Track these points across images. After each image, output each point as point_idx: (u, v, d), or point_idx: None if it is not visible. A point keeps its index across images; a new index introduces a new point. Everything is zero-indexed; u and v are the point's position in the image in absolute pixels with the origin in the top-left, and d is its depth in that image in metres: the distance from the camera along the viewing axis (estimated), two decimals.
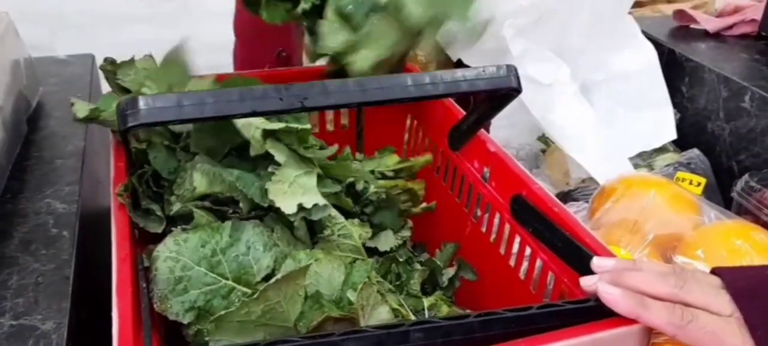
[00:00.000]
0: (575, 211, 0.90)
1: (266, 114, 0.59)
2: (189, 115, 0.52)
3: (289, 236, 0.56)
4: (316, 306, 0.49)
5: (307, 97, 0.54)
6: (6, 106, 0.72)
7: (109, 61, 0.74)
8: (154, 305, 0.51)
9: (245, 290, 0.52)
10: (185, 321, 0.51)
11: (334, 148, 0.65)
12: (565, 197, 1.00)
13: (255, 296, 0.45)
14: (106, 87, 0.79)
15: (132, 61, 0.77)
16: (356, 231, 0.57)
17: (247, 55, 1.20)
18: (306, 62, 1.03)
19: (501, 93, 0.63)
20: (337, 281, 0.53)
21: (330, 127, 0.90)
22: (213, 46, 1.32)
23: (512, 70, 0.61)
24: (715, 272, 0.49)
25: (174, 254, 0.52)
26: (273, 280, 0.46)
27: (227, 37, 1.21)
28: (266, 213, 0.57)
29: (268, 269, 0.53)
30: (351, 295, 0.52)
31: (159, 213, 0.59)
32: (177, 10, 0.96)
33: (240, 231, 0.53)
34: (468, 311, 0.68)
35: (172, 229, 0.55)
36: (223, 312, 0.46)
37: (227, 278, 0.52)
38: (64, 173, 0.74)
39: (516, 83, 0.61)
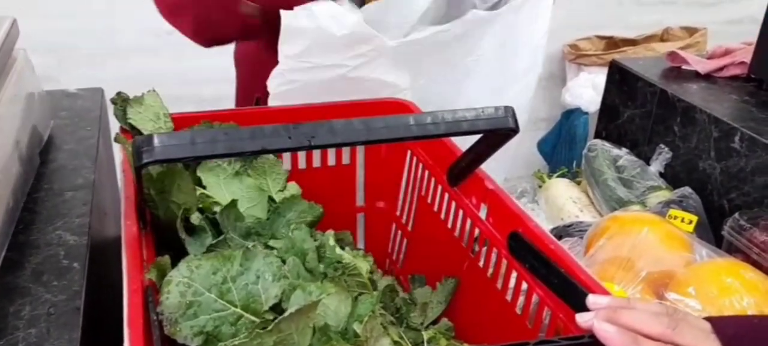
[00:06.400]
0: (570, 247, 0.93)
1: (276, 152, 0.61)
2: (201, 153, 0.54)
3: (301, 267, 0.58)
4: (325, 339, 0.51)
5: (315, 135, 0.57)
6: (21, 140, 0.75)
7: (123, 98, 0.77)
8: (164, 329, 0.53)
9: (253, 318, 0.54)
10: (193, 345, 0.53)
11: None
12: (560, 232, 1.03)
13: (269, 328, 0.47)
14: (114, 120, 0.82)
15: (141, 97, 0.80)
16: (364, 266, 0.60)
17: (244, 86, 1.23)
18: None
19: (499, 133, 0.65)
20: (344, 313, 0.55)
21: (331, 162, 0.93)
22: (218, 78, 1.35)
23: (510, 110, 0.64)
24: (705, 319, 0.52)
25: (186, 279, 0.54)
26: (287, 313, 0.48)
27: (231, 69, 1.25)
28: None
29: (276, 298, 0.55)
30: (357, 327, 0.54)
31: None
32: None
33: (251, 260, 0.55)
34: (466, 345, 0.70)
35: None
36: (236, 342, 0.48)
37: (236, 306, 0.54)
38: (74, 205, 0.76)
39: (513, 123, 0.64)
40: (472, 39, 0.95)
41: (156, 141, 0.53)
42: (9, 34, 0.77)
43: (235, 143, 0.55)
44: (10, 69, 0.77)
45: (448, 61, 0.96)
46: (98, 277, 0.70)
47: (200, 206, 0.71)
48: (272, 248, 0.60)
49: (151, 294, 0.56)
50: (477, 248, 0.75)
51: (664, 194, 1.06)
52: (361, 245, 0.94)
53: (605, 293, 0.55)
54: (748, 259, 0.85)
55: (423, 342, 0.66)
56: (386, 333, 0.60)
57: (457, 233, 0.79)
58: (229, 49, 1.24)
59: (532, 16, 1.00)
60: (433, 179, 0.84)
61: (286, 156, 0.85)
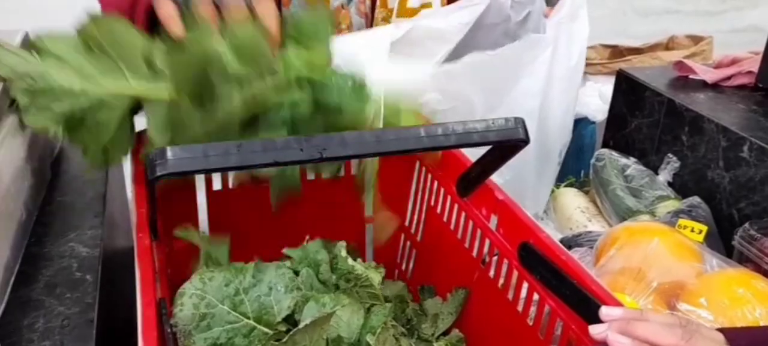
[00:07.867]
0: (579, 257, 0.93)
1: (287, 164, 0.61)
2: (214, 165, 0.55)
3: (314, 278, 0.58)
4: None
5: (326, 148, 0.57)
6: (33, 153, 0.75)
7: None
8: (178, 341, 0.54)
9: (266, 330, 0.54)
10: None
11: None
12: (570, 242, 1.02)
13: (284, 339, 0.47)
14: None
15: None
16: (376, 278, 0.60)
17: None
18: None
19: (510, 143, 0.65)
20: (356, 325, 0.55)
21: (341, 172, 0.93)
22: None
23: (520, 122, 0.64)
24: (719, 330, 0.52)
25: (199, 291, 0.54)
26: (302, 324, 0.48)
27: None
28: None
29: (288, 309, 0.55)
30: (370, 338, 0.54)
31: None
32: None
33: (263, 272, 0.56)
34: None
35: None
36: None
37: (249, 317, 0.55)
38: (86, 217, 0.76)
39: (523, 135, 0.64)
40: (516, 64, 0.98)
41: (169, 154, 0.53)
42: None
43: (247, 156, 0.55)
44: None
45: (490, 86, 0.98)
46: (111, 288, 0.70)
47: None
48: (288, 258, 0.60)
49: (164, 306, 0.56)
50: (487, 259, 0.75)
51: (673, 204, 1.05)
52: (369, 255, 0.94)
53: (618, 304, 0.55)
54: (759, 269, 0.84)
55: None
56: (398, 345, 0.60)
57: (467, 243, 0.79)
58: None
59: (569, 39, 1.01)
60: (442, 190, 0.84)
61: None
